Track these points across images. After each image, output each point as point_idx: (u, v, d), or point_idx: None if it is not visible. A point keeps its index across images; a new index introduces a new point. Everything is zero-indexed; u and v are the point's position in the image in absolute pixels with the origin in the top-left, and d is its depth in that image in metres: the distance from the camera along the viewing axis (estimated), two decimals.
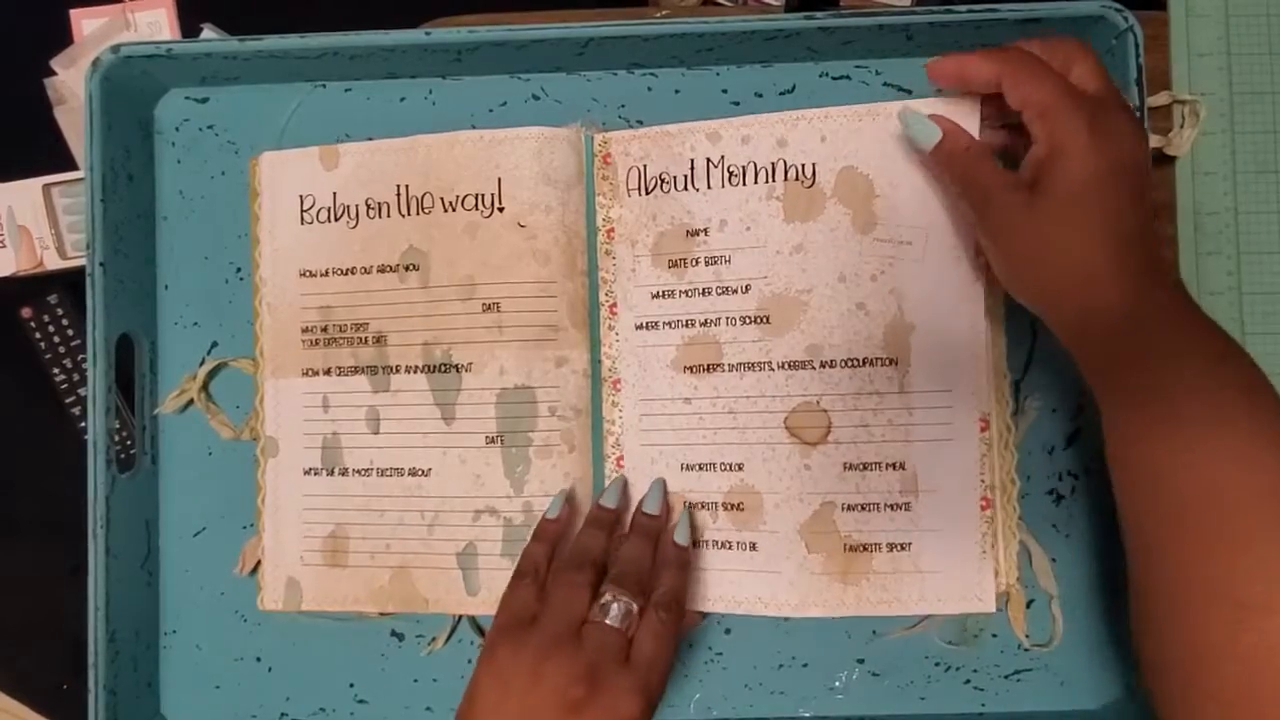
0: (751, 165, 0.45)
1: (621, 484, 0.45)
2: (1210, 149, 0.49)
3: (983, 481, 0.44)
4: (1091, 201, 0.36)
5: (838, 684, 0.47)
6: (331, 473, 0.47)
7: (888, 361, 0.44)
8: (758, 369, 0.45)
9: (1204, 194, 0.49)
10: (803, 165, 0.45)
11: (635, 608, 0.39)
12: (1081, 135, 0.36)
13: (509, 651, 0.37)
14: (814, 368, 0.44)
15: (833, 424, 0.44)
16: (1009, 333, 0.45)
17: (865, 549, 0.44)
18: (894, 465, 0.44)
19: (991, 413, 0.44)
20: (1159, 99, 0.47)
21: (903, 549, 0.44)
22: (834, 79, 0.48)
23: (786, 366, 0.45)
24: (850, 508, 0.44)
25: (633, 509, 0.45)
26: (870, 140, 0.44)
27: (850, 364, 0.44)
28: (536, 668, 0.36)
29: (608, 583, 0.39)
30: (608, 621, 0.38)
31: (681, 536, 0.43)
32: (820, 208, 0.44)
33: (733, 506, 0.45)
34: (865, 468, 0.44)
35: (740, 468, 0.45)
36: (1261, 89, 0.49)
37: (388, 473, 0.47)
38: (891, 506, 0.44)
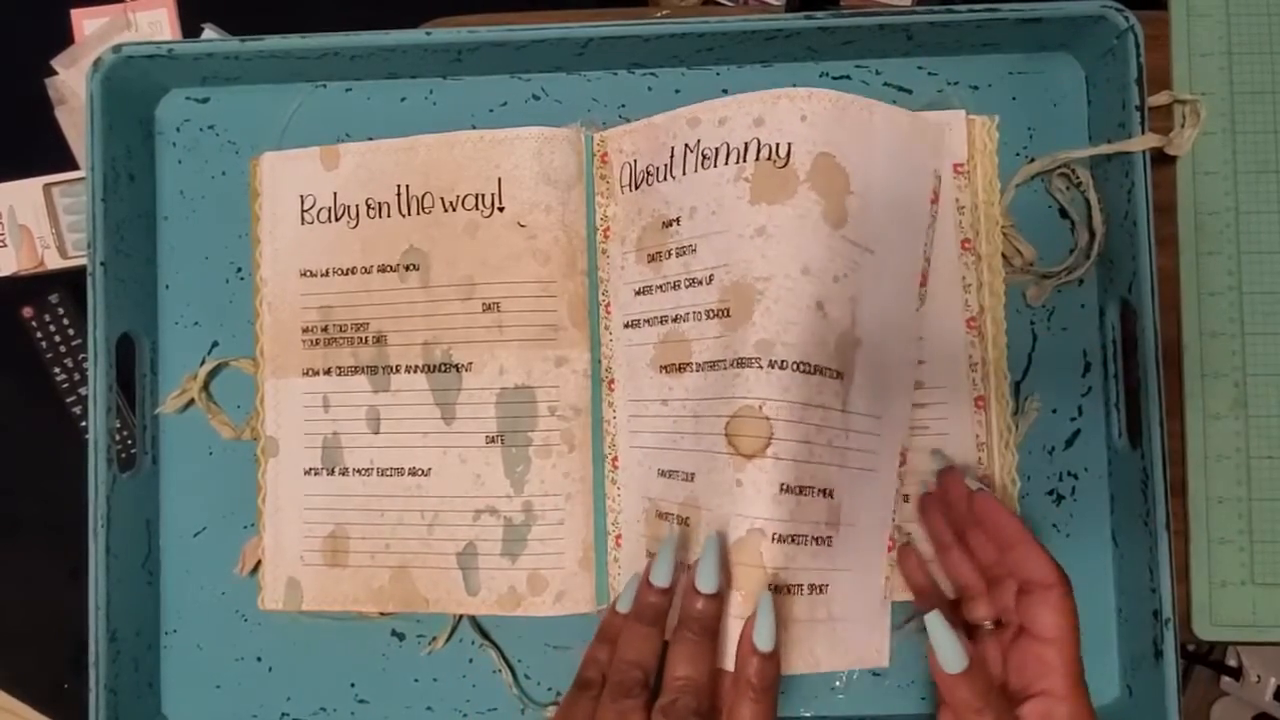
0: (725, 146, 0.42)
1: (671, 553, 0.38)
2: (1211, 148, 0.49)
3: (893, 521, 0.42)
4: None
5: (838, 683, 0.47)
6: (332, 472, 0.48)
7: (835, 374, 0.39)
8: (719, 368, 0.41)
9: (1205, 193, 0.49)
10: (777, 145, 0.41)
11: None
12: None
13: None
14: (760, 367, 0.39)
15: (774, 435, 0.38)
16: (1010, 334, 0.45)
17: (789, 591, 0.38)
18: (824, 492, 0.39)
19: (910, 448, 0.42)
20: (1160, 98, 0.47)
21: (820, 591, 0.39)
22: (834, 79, 0.48)
23: (735, 365, 0.40)
24: (781, 539, 0.38)
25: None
26: (852, 132, 0.41)
27: (802, 368, 0.39)
28: None
29: (656, 713, 0.34)
30: None
31: (763, 639, 0.35)
32: (791, 190, 0.40)
33: (683, 521, 0.41)
34: (800, 491, 0.38)
35: (691, 478, 0.41)
36: (1262, 88, 0.49)
37: (388, 472, 0.47)
38: (817, 540, 0.39)
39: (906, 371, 0.42)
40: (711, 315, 0.42)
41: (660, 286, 0.44)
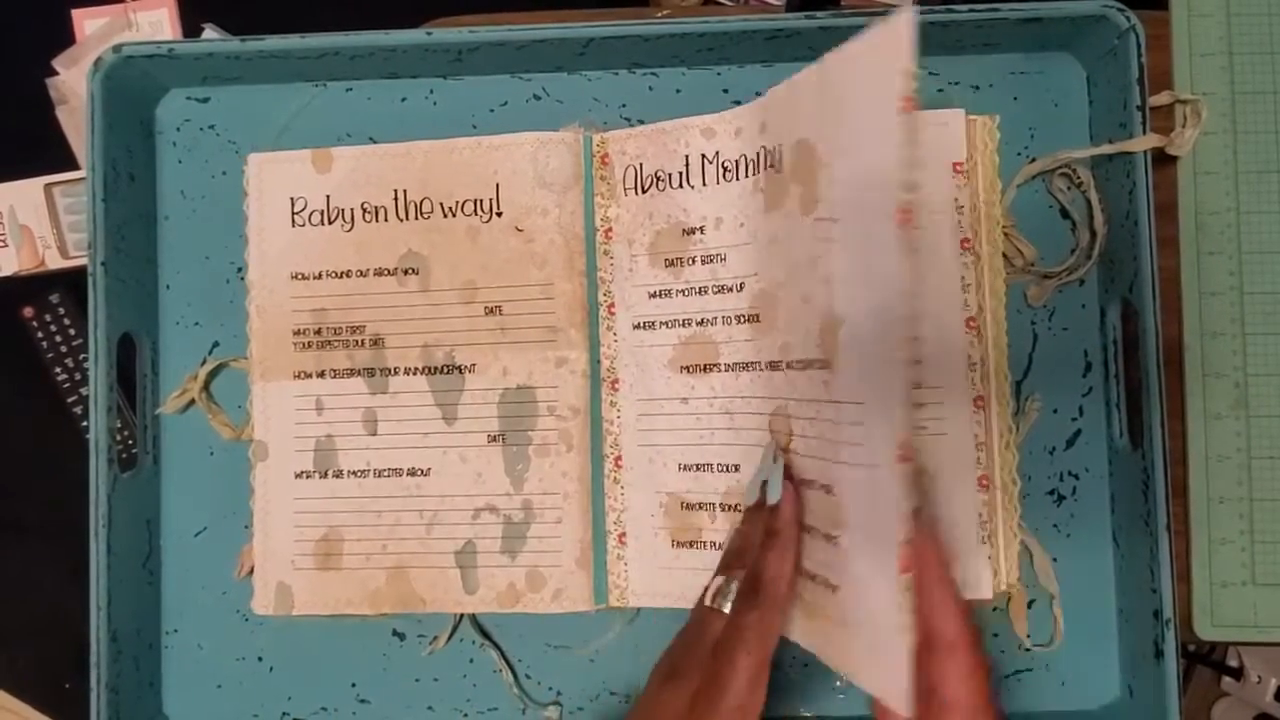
0: (743, 159, 0.44)
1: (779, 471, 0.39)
2: (1212, 149, 0.49)
3: (898, 532, 0.32)
4: None
5: (839, 683, 0.47)
6: (325, 475, 0.47)
7: (822, 363, 0.37)
8: (751, 369, 0.43)
9: (1205, 194, 0.49)
10: (776, 148, 0.41)
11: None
12: None
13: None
14: (784, 369, 0.41)
15: (793, 432, 0.40)
16: (1010, 333, 0.45)
17: (814, 579, 0.37)
18: (825, 488, 0.37)
19: (917, 445, 0.37)
20: (1161, 99, 0.47)
21: (832, 590, 0.36)
22: None
23: (769, 367, 0.42)
24: (808, 529, 0.38)
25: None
26: (813, 106, 0.37)
27: (798, 365, 0.39)
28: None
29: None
30: (724, 608, 0.37)
31: (774, 492, 0.39)
32: (785, 191, 0.40)
33: (730, 508, 0.44)
34: (809, 485, 0.38)
35: (737, 469, 0.44)
36: (1263, 88, 0.49)
37: (385, 473, 0.47)
38: (826, 537, 0.37)
39: (892, 343, 0.33)
40: (743, 320, 0.44)
41: (682, 291, 0.45)
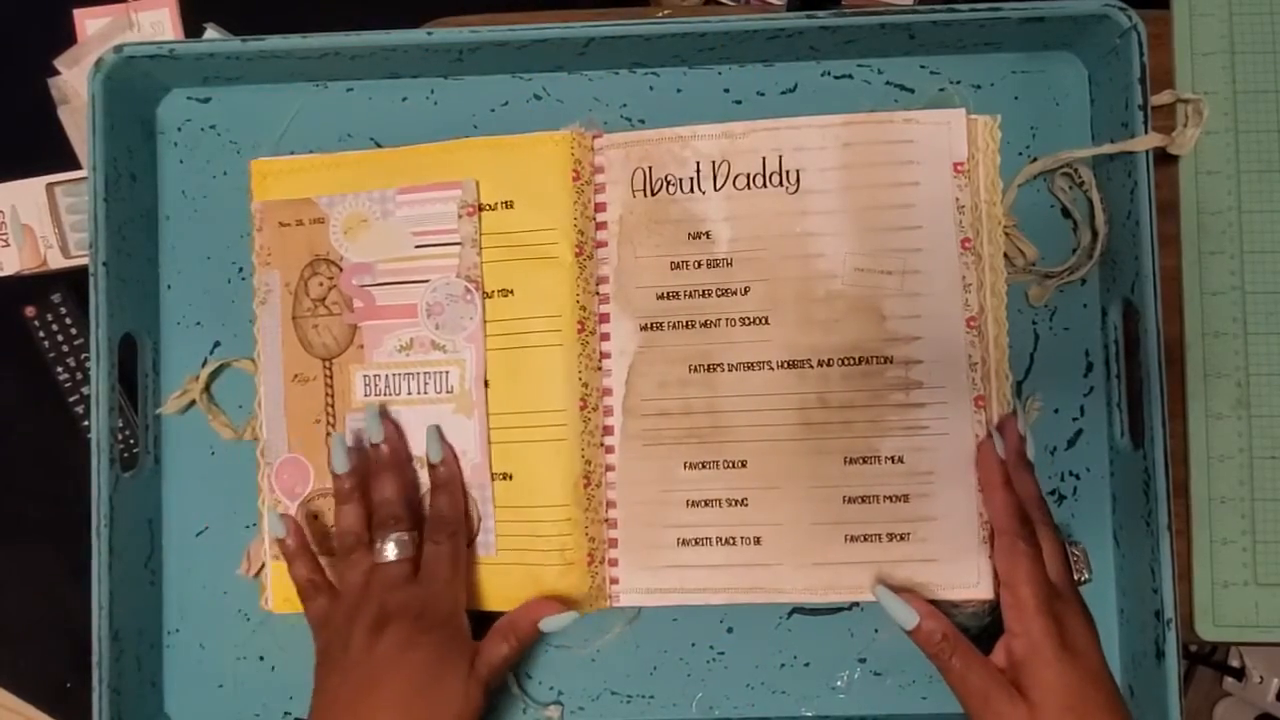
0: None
1: (340, 442, 0.45)
2: (1213, 148, 0.49)
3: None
4: (1080, 712, 0.38)
5: (839, 683, 0.47)
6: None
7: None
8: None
9: (1207, 193, 0.49)
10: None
11: (408, 537, 0.43)
12: (1051, 644, 0.38)
13: (326, 638, 0.42)
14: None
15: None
16: (1012, 333, 0.45)
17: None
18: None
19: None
20: (1162, 98, 0.47)
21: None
22: (836, 78, 0.48)
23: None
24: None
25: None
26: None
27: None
28: (347, 640, 0.41)
29: (375, 530, 0.43)
30: (388, 558, 0.42)
31: (434, 454, 0.45)
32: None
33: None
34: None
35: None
36: (1265, 87, 0.49)
37: None
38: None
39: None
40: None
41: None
